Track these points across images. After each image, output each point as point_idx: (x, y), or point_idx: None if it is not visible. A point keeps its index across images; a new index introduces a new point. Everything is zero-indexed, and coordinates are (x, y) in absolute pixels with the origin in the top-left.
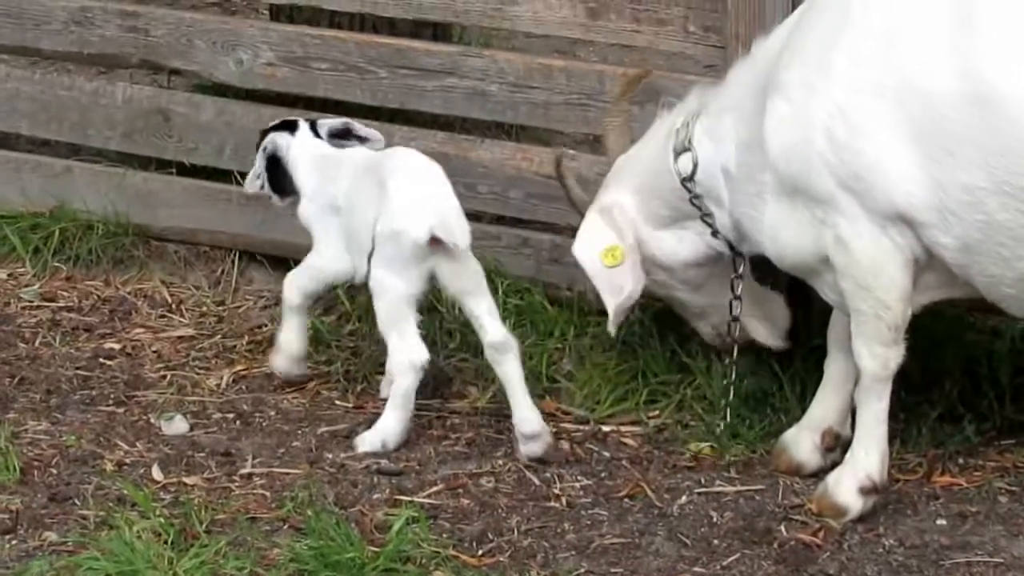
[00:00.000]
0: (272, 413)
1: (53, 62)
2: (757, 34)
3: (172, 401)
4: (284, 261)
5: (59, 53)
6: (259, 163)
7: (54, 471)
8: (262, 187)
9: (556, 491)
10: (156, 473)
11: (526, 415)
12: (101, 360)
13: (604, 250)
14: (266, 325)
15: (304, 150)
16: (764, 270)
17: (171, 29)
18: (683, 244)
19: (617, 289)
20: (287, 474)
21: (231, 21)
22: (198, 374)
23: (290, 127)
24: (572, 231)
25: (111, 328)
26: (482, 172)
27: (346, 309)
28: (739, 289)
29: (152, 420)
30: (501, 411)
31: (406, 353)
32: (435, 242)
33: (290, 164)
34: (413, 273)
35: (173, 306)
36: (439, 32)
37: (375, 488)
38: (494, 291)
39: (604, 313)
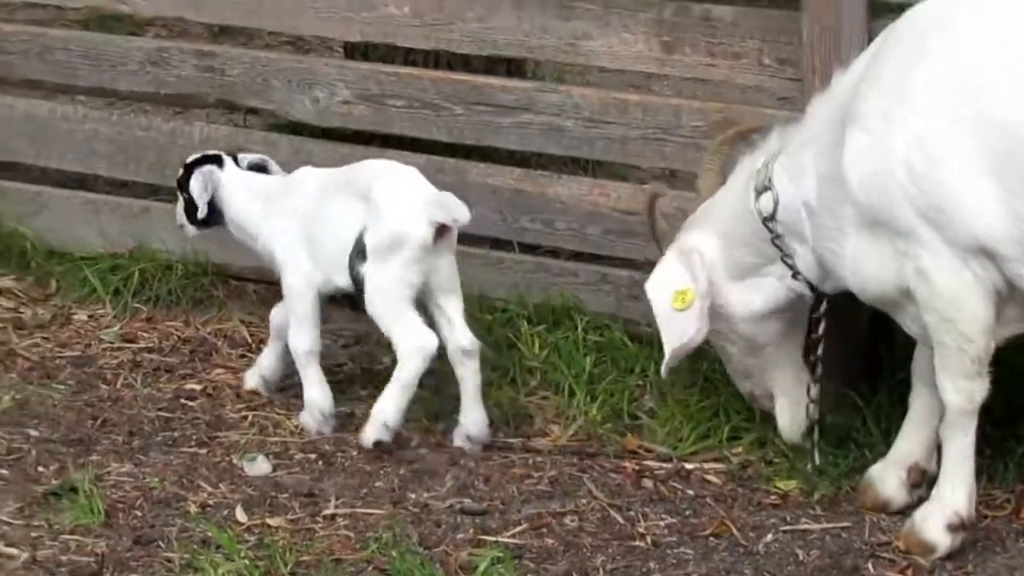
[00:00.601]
0: (354, 453)
1: (130, 103)
2: (833, 66)
3: (254, 442)
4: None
5: (136, 94)
6: (203, 202)
7: (138, 513)
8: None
9: (641, 530)
10: (240, 515)
11: (477, 415)
12: (182, 401)
13: (676, 292)
14: (346, 364)
15: (238, 182)
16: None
17: (247, 68)
18: (759, 293)
19: (679, 333)
20: (370, 514)
21: (306, 60)
22: (279, 414)
23: (215, 161)
24: (651, 266)
25: (192, 369)
26: (559, 208)
27: None
28: (821, 329)
29: (234, 461)
30: (584, 449)
31: (414, 339)
32: (438, 236)
33: (223, 198)
34: (412, 273)
35: (253, 346)
36: (513, 68)
37: (459, 528)
38: (573, 327)
39: None
